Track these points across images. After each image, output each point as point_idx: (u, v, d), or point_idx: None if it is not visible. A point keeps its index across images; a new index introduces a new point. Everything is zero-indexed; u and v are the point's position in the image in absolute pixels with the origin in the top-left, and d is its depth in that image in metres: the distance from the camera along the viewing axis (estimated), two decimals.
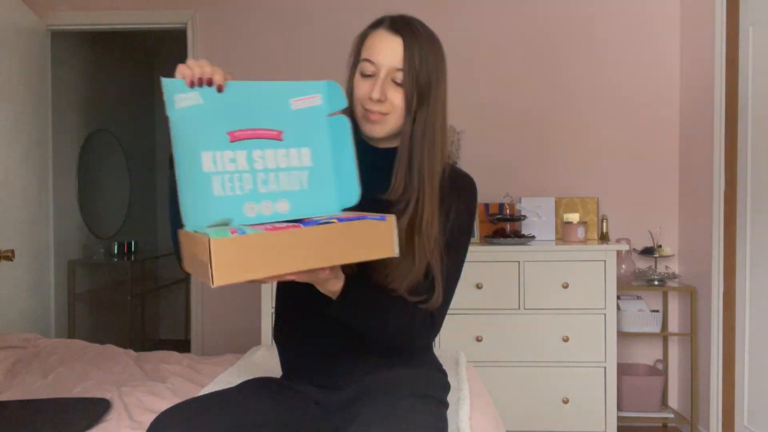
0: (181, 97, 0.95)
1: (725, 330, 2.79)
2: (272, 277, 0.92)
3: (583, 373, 2.84)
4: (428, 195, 1.15)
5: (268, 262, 0.88)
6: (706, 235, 2.91)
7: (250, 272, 0.87)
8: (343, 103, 1.06)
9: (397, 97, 1.14)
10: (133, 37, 4.76)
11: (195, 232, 0.92)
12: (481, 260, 2.84)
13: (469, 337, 2.84)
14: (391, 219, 1.00)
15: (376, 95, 1.13)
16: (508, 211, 3.12)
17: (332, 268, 1.02)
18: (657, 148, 3.25)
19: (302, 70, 3.34)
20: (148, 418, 1.44)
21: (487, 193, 3.27)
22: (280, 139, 1.00)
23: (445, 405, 1.25)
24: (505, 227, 3.05)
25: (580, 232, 3.01)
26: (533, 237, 3.02)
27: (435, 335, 1.22)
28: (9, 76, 2.89)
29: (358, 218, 0.96)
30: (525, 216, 3.09)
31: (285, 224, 0.93)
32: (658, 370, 3.15)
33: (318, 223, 0.94)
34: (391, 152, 1.20)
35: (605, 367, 2.83)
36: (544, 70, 3.29)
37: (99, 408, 1.53)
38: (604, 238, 3.15)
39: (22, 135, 2.99)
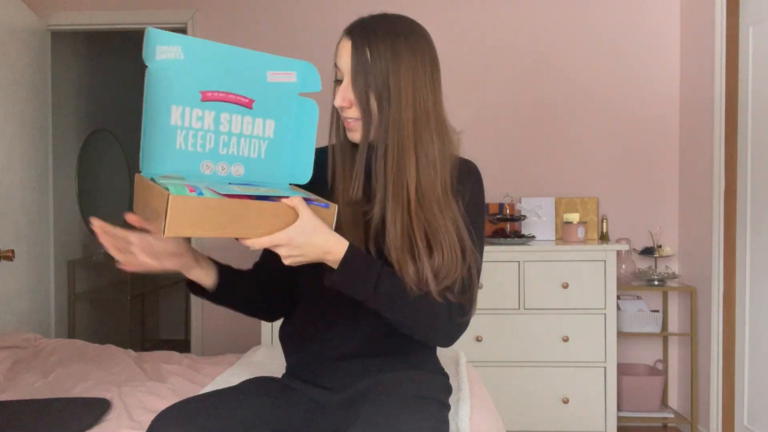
0: (162, 48, 0.98)
1: (725, 330, 2.79)
2: (219, 236, 0.97)
3: (583, 373, 2.84)
4: (393, 193, 1.11)
5: (217, 225, 0.93)
6: (706, 235, 2.91)
7: (199, 231, 0.92)
8: (317, 87, 1.10)
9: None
10: (133, 36, 4.76)
11: (152, 180, 0.96)
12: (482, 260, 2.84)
13: (469, 337, 2.83)
14: (334, 207, 1.04)
15: (337, 102, 1.12)
16: (508, 211, 3.12)
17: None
18: (657, 148, 3.25)
19: None
20: (148, 418, 1.44)
21: (487, 193, 3.24)
22: (250, 108, 1.05)
23: (447, 407, 1.25)
24: (505, 227, 3.05)
25: (580, 232, 3.01)
26: (533, 237, 3.02)
27: (464, 327, 1.21)
28: (9, 76, 2.89)
29: (308, 202, 1.01)
30: (525, 216, 3.09)
31: (239, 194, 0.96)
32: (658, 370, 3.15)
33: (267, 197, 0.98)
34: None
35: (605, 367, 2.83)
36: (544, 69, 3.29)
37: (99, 408, 1.53)
38: (604, 238, 3.15)
39: (22, 135, 2.99)
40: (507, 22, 3.30)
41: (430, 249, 1.12)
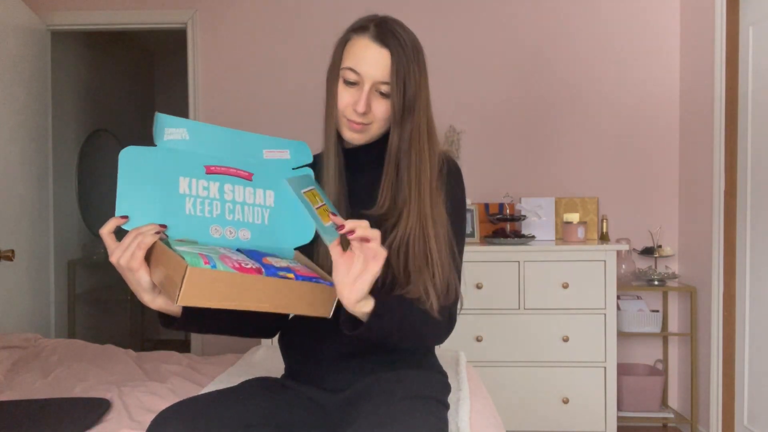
0: (170, 130, 1.09)
1: (725, 330, 2.79)
2: (228, 308, 0.98)
3: (583, 373, 2.84)
4: (415, 206, 1.14)
5: (229, 297, 0.97)
6: (706, 235, 2.91)
7: (211, 301, 0.96)
8: (309, 160, 1.20)
9: (380, 109, 1.14)
10: (133, 36, 4.76)
11: (167, 244, 1.01)
12: (481, 260, 2.84)
13: (469, 337, 2.84)
14: (335, 288, 1.06)
15: (361, 108, 1.12)
16: (508, 211, 3.12)
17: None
18: (657, 148, 3.25)
19: (302, 70, 3.34)
20: (148, 418, 1.44)
21: (487, 193, 3.27)
22: (250, 180, 1.15)
23: (446, 406, 1.25)
24: (505, 227, 3.05)
25: (580, 232, 3.01)
26: (533, 237, 3.02)
27: (453, 325, 1.22)
28: (9, 76, 2.89)
29: (312, 279, 1.06)
30: (525, 216, 3.09)
31: (251, 267, 1.01)
32: (658, 370, 3.15)
33: (277, 271, 1.03)
34: (369, 148, 1.21)
35: (605, 367, 2.83)
36: (544, 69, 3.29)
37: (99, 408, 1.53)
38: (604, 238, 3.15)
39: (22, 135, 2.99)
40: (507, 22, 3.30)
41: (433, 261, 1.15)
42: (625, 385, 2.99)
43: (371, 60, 1.12)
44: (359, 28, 1.16)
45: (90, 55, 4.34)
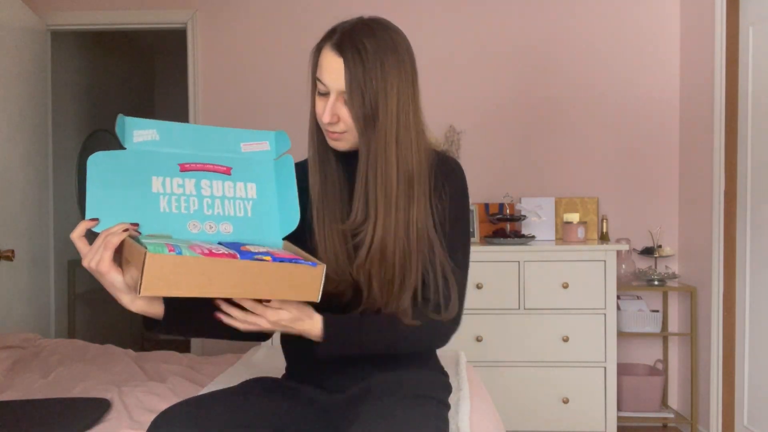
0: (139, 132, 1.05)
1: (725, 330, 2.79)
2: (200, 296, 0.94)
3: (583, 373, 2.84)
4: (381, 218, 1.12)
5: (196, 285, 0.92)
6: (706, 235, 2.91)
7: (177, 290, 0.91)
8: (288, 146, 1.15)
9: (348, 117, 1.12)
10: (133, 36, 4.76)
11: (137, 241, 0.96)
12: (481, 260, 2.84)
13: (469, 337, 2.83)
14: (321, 267, 1.01)
15: (326, 119, 1.12)
16: (508, 211, 3.12)
17: (298, 307, 1.05)
18: (657, 148, 3.25)
19: (302, 70, 3.33)
20: (148, 418, 1.44)
21: (487, 193, 3.27)
22: (229, 174, 1.09)
23: (447, 406, 1.25)
24: (505, 227, 3.05)
25: (580, 232, 3.01)
26: (533, 237, 3.02)
27: (456, 327, 1.21)
28: (9, 76, 2.89)
29: (292, 260, 0.99)
30: (525, 216, 3.09)
31: (222, 252, 0.95)
32: (658, 370, 3.15)
33: (253, 255, 0.97)
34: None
35: (605, 367, 2.83)
36: (544, 70, 3.29)
37: (99, 408, 1.53)
38: (604, 238, 3.15)
39: (22, 135, 2.99)
40: (507, 22, 3.30)
41: (417, 270, 1.15)
42: (625, 385, 2.99)
43: (331, 70, 1.11)
44: (328, 34, 1.16)
45: (90, 55, 4.34)
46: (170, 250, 0.91)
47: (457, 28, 3.30)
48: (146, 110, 5.23)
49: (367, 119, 1.10)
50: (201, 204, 1.06)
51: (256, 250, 1.00)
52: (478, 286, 2.84)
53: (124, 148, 1.05)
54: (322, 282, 1.01)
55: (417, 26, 3.23)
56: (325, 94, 1.13)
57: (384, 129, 1.11)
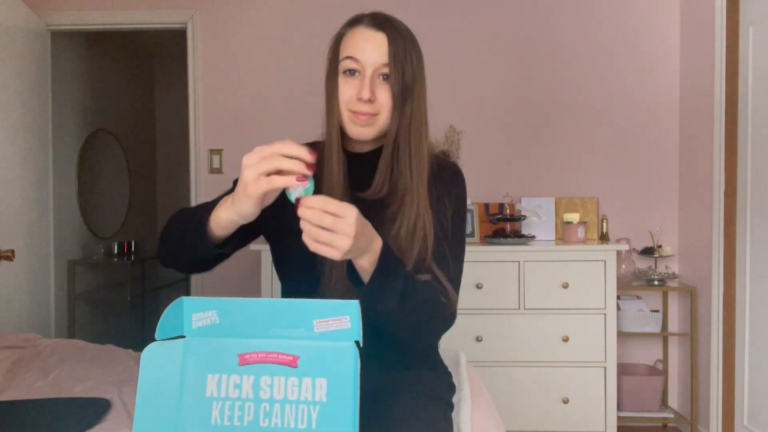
0: (198, 315, 0.93)
1: (725, 330, 2.79)
2: None
3: (583, 373, 2.84)
4: (420, 189, 1.12)
5: None
6: (706, 235, 2.91)
7: None
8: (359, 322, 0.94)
9: (385, 96, 1.10)
10: (133, 37, 4.76)
11: None
12: (481, 260, 2.84)
13: (469, 337, 2.83)
14: None
15: (366, 95, 1.08)
16: (508, 211, 3.12)
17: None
18: (657, 148, 3.25)
19: (302, 70, 3.34)
20: None
21: (487, 193, 3.27)
22: (295, 366, 0.90)
23: (451, 407, 1.26)
24: (505, 227, 3.05)
25: (580, 232, 3.01)
26: (533, 237, 3.02)
27: (453, 321, 1.18)
28: (9, 76, 2.89)
29: None
30: (525, 216, 3.09)
31: None
32: (658, 370, 3.15)
33: None
34: (371, 155, 1.18)
35: (605, 367, 2.83)
36: (544, 70, 3.29)
37: (99, 408, 1.53)
38: (604, 238, 3.15)
39: (22, 135, 2.99)
40: (507, 22, 3.30)
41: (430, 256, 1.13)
42: (625, 385, 2.99)
43: (370, 45, 1.10)
44: (353, 21, 1.16)
45: (90, 55, 4.34)
46: None
47: (457, 29, 3.30)
48: (146, 110, 5.23)
49: (404, 94, 1.10)
50: (257, 412, 0.88)
51: None
52: (478, 286, 2.84)
53: (183, 336, 0.93)
54: None
55: (417, 26, 3.21)
56: (355, 73, 1.11)
57: (419, 105, 1.13)
